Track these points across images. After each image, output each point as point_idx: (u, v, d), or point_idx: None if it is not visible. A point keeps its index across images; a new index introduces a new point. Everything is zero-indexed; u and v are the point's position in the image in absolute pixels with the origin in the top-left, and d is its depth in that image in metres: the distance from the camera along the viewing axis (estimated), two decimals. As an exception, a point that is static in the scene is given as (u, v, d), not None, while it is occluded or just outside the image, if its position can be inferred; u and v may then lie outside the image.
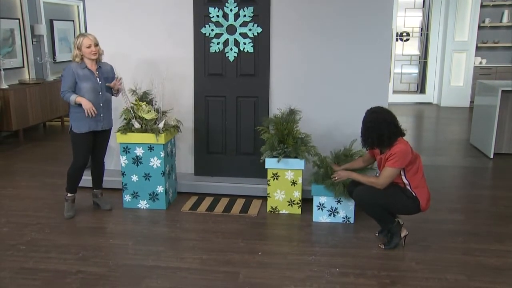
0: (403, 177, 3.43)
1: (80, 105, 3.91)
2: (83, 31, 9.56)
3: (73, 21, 9.45)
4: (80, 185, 4.28)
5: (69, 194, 4.20)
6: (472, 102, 8.80)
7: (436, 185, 5.07)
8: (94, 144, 4.17)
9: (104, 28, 4.78)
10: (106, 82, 4.11)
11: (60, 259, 3.42)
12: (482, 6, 9.56)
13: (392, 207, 3.48)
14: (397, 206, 3.46)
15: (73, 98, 3.90)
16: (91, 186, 4.44)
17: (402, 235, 3.57)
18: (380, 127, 3.35)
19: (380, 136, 3.37)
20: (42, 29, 8.08)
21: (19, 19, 7.65)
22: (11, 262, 3.39)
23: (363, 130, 3.46)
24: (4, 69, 6.98)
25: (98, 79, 4.03)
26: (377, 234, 3.78)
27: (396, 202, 3.44)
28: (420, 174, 3.45)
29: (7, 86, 6.86)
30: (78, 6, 9.48)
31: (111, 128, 4.26)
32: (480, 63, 9.91)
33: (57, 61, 8.71)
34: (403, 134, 3.44)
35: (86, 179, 4.46)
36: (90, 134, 4.06)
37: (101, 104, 4.06)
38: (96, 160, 4.31)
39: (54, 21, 8.73)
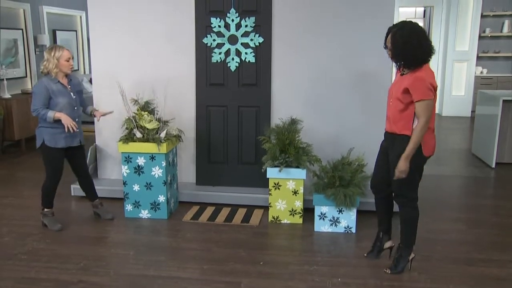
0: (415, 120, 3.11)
1: (58, 120, 3.81)
2: (85, 41, 9.63)
3: (76, 31, 9.52)
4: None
5: (46, 209, 4.13)
6: (473, 111, 8.81)
7: (438, 194, 5.07)
8: (74, 161, 4.12)
9: (106, 38, 4.81)
10: (79, 96, 4.06)
11: (62, 269, 3.42)
12: (482, 16, 9.62)
13: (418, 178, 3.26)
14: (416, 175, 3.22)
15: (51, 114, 3.78)
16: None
17: (410, 257, 3.38)
18: (406, 46, 3.02)
19: (405, 55, 3.06)
20: (45, 39, 8.13)
21: (22, 30, 7.71)
22: (13, 271, 3.38)
23: (391, 48, 3.13)
24: (7, 79, 7.02)
25: (72, 93, 3.96)
26: (365, 255, 3.62)
27: (415, 173, 3.19)
28: (432, 118, 3.12)
29: (9, 96, 6.90)
30: (80, 16, 9.55)
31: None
32: (481, 72, 9.94)
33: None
34: (427, 60, 3.07)
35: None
36: (64, 148, 3.98)
37: (76, 119, 3.97)
38: (82, 175, 4.24)
39: (57, 31, 8.79)
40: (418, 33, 3.04)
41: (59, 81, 3.91)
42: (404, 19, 3.23)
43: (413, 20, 3.21)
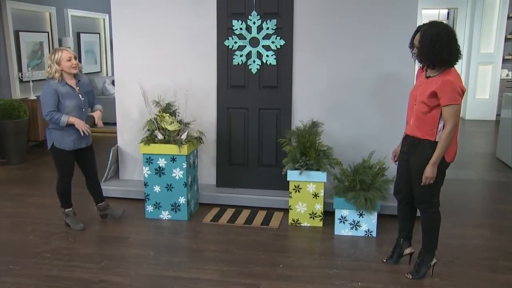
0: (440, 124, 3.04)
1: (70, 124, 3.81)
2: (108, 43, 9.76)
3: (99, 33, 9.67)
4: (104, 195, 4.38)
5: (67, 210, 4.17)
6: (498, 115, 8.64)
7: (461, 199, 4.99)
8: (83, 161, 4.12)
9: (129, 40, 4.87)
10: (87, 97, 4.02)
11: (83, 268, 3.47)
12: (509, 17, 9.43)
13: (440, 183, 3.19)
14: (438, 180, 3.14)
15: (65, 119, 3.77)
16: (104, 198, 4.42)
17: (432, 263, 3.32)
18: (434, 46, 2.93)
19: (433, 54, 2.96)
20: (70, 41, 8.28)
21: (48, 32, 7.86)
22: (37, 269, 3.45)
23: (419, 47, 3.05)
24: (32, 81, 7.17)
25: (80, 95, 3.93)
26: (384, 261, 3.57)
27: (437, 179, 3.11)
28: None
29: (35, 97, 7.03)
30: (104, 19, 9.70)
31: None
32: (507, 75, 9.75)
33: (83, 72, 8.89)
34: (452, 63, 3.00)
35: (105, 188, 4.61)
36: (73, 150, 3.97)
37: (84, 121, 3.96)
38: (90, 176, 4.23)
39: (81, 34, 8.94)
40: (448, 34, 2.95)
41: (66, 83, 3.85)
42: (430, 20, 3.17)
43: (437, 22, 3.14)
